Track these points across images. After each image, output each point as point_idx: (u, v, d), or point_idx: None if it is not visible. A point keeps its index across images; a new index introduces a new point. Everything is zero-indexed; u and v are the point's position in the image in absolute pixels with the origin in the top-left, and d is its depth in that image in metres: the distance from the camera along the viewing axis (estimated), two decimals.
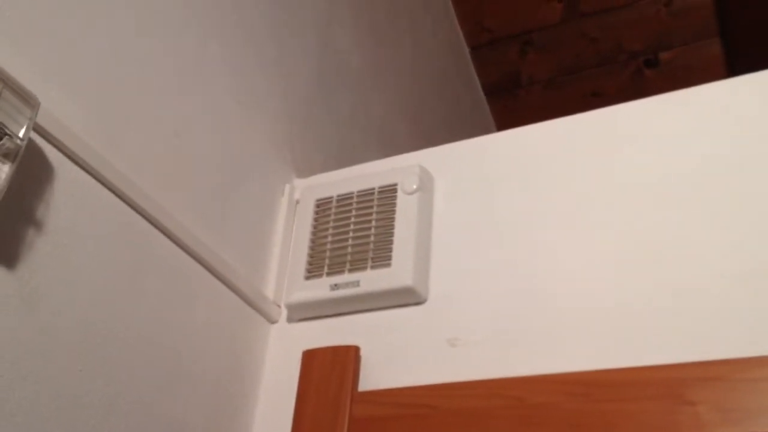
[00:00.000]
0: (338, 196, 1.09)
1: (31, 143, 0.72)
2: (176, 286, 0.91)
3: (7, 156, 0.65)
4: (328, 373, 0.96)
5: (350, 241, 1.04)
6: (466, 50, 2.17)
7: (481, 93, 2.24)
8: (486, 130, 2.26)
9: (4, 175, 0.64)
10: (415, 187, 1.04)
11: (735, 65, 2.06)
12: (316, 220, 1.09)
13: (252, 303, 1.03)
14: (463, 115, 2.12)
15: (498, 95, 2.25)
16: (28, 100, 0.67)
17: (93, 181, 0.81)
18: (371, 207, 1.05)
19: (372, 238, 1.02)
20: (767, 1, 1.97)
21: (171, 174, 0.93)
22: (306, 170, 1.23)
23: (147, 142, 0.90)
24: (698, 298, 0.83)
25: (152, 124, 0.91)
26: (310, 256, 1.06)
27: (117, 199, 0.84)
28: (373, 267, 1.00)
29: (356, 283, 1.00)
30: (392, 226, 1.02)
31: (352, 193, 1.08)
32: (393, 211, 1.03)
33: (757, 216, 0.86)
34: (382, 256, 1.00)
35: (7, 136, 0.64)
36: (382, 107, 1.60)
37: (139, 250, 0.86)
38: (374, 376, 0.96)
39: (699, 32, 2.05)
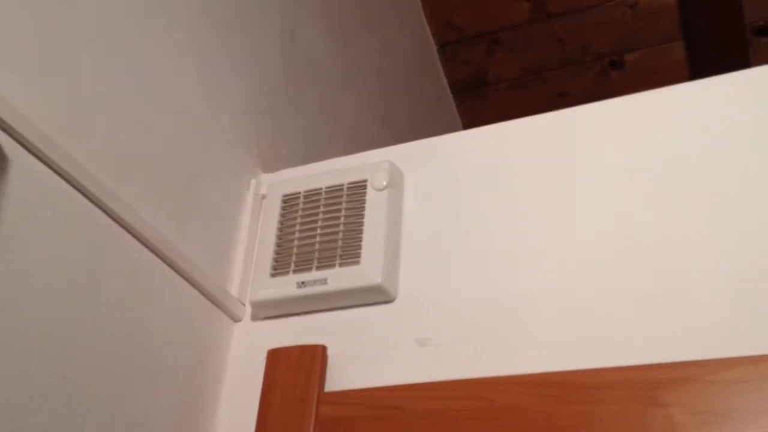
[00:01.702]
0: (306, 191, 1.06)
1: None
2: (136, 282, 0.87)
3: None
4: (293, 373, 0.94)
5: (318, 238, 1.01)
6: (434, 48, 2.16)
7: (448, 91, 2.23)
8: (452, 128, 2.25)
9: None
10: (385, 183, 1.02)
11: (697, 68, 2.09)
12: (282, 216, 1.06)
13: (215, 300, 1.00)
14: (430, 113, 2.11)
15: (464, 94, 2.25)
16: None
17: (49, 171, 0.77)
18: (340, 203, 1.03)
19: (340, 235, 1.00)
20: (729, 7, 2.00)
21: (132, 166, 0.90)
22: (272, 166, 1.20)
23: (108, 132, 0.86)
24: (671, 299, 0.82)
25: (114, 114, 0.88)
26: (277, 252, 1.03)
27: (75, 191, 0.80)
28: (341, 264, 0.98)
29: (324, 281, 0.98)
30: (361, 223, 1.00)
31: (321, 188, 1.05)
32: (362, 208, 1.01)
33: (731, 217, 0.85)
34: (350, 254, 0.98)
35: None
36: (351, 104, 1.58)
37: (97, 245, 0.82)
38: (341, 377, 0.94)
39: (663, 35, 2.07)
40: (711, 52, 2.04)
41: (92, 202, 0.81)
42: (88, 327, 0.79)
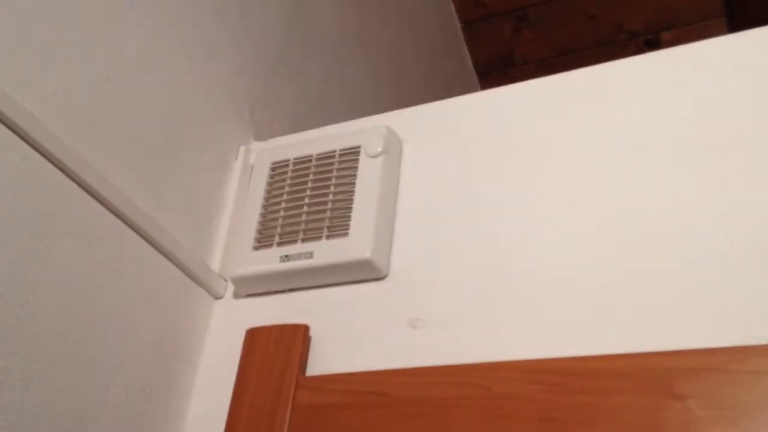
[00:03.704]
0: (295, 159, 0.97)
1: None
2: (97, 249, 0.79)
3: None
4: (272, 355, 0.85)
5: (306, 208, 0.93)
6: (458, 25, 2.05)
7: (473, 71, 2.12)
8: None
9: None
10: (379, 149, 0.93)
11: None
12: (269, 185, 0.98)
13: (193, 276, 0.92)
14: (452, 94, 2.00)
15: (490, 75, 2.14)
16: None
17: None
18: (331, 171, 0.94)
19: (329, 205, 0.91)
20: None
21: (99, 125, 0.82)
22: (268, 134, 1.12)
23: (69, 85, 0.79)
24: (691, 277, 0.72)
25: (77, 65, 0.80)
26: (261, 224, 0.95)
27: (27, 146, 0.72)
28: (328, 237, 0.89)
29: (309, 255, 0.89)
30: (352, 192, 0.91)
31: (311, 155, 0.97)
32: (354, 176, 0.92)
33: (758, 187, 0.74)
34: (339, 225, 0.89)
35: None
36: (360, 77, 1.49)
37: (50, 204, 0.74)
38: (325, 359, 0.85)
39: (703, 12, 1.94)
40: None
41: (45, 157, 0.74)
42: (34, 296, 0.71)
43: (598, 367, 0.70)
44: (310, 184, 0.94)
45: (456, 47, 2.05)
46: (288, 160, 0.98)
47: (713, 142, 0.79)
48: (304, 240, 0.90)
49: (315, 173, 0.95)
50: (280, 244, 0.91)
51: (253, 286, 0.93)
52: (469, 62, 2.11)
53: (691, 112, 0.82)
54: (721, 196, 0.75)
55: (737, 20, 1.93)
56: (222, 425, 0.83)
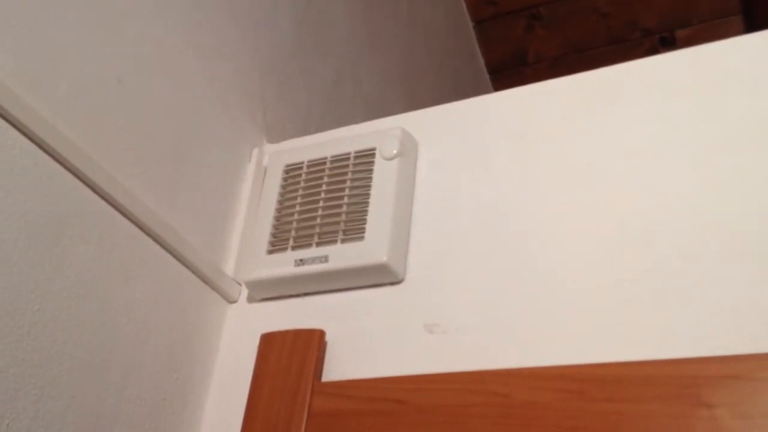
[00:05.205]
0: (309, 161, 0.96)
1: None
2: (110, 253, 0.78)
3: None
4: (287, 361, 0.84)
5: (320, 212, 0.91)
6: (470, 24, 2.04)
7: (485, 71, 2.11)
8: None
9: None
10: (395, 151, 0.91)
11: None
12: (283, 187, 0.96)
13: (207, 279, 0.91)
14: (463, 94, 1.98)
15: (502, 73, 2.12)
16: None
17: (7, 125, 0.68)
18: (346, 174, 0.93)
19: (344, 208, 0.90)
20: None
21: (110, 127, 0.81)
22: (280, 136, 1.10)
23: (81, 87, 0.77)
24: (720, 281, 0.70)
25: (89, 67, 0.79)
26: (275, 227, 0.93)
27: (39, 150, 0.71)
28: (343, 240, 0.88)
29: (324, 259, 0.88)
30: (368, 195, 0.89)
31: (326, 158, 0.95)
32: (369, 178, 0.91)
33: None
34: (354, 228, 0.88)
35: None
36: (371, 77, 1.47)
37: (62, 209, 0.73)
38: (341, 365, 0.84)
39: (719, 9, 1.92)
40: None
41: (57, 161, 0.73)
42: (45, 302, 0.70)
43: (621, 374, 0.69)
44: (324, 187, 0.93)
45: (468, 46, 2.04)
46: (302, 163, 0.96)
47: (732, 144, 0.77)
48: (318, 244, 0.89)
49: (330, 176, 0.93)
50: (294, 247, 0.90)
51: (267, 290, 0.92)
52: (481, 61, 2.10)
53: (709, 114, 0.80)
54: (743, 196, 0.74)
55: (754, 18, 1.90)
56: None
